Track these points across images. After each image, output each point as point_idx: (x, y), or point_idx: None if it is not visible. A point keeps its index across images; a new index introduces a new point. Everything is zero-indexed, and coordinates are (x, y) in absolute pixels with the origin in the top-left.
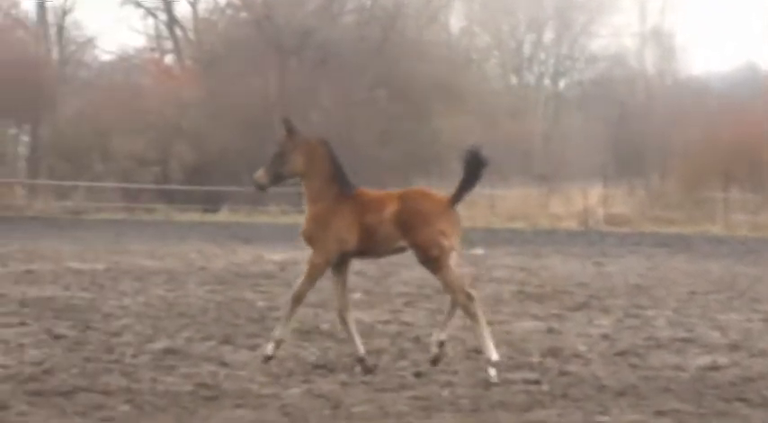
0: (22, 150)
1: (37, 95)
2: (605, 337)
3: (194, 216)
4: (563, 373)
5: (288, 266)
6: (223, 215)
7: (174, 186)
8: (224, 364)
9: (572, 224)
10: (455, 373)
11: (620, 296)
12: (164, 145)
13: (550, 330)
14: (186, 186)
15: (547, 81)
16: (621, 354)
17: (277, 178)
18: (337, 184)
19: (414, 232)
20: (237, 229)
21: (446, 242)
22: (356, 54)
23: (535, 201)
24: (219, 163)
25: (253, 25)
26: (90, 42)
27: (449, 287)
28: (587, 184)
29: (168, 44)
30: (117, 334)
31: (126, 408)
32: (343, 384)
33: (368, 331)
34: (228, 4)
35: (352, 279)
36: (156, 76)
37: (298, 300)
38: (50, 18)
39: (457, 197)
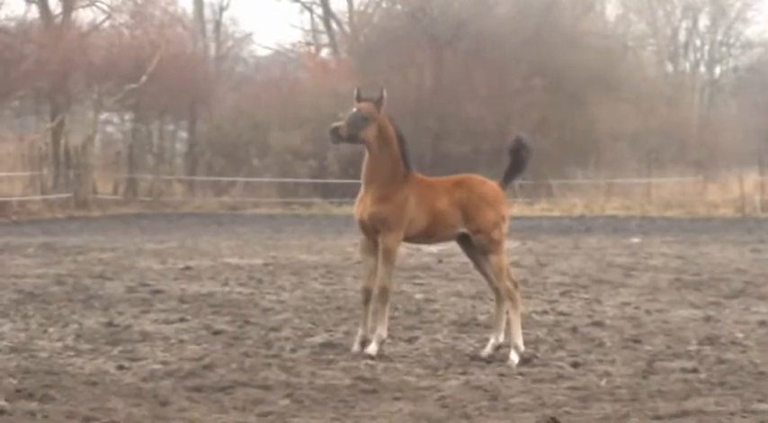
0: (180, 147)
1: (194, 92)
2: (763, 323)
3: (351, 210)
4: (721, 361)
5: (445, 258)
6: None
7: (330, 180)
8: (382, 357)
9: (728, 211)
10: (612, 362)
11: None
12: (320, 138)
13: (708, 318)
14: (343, 180)
15: (702, 68)
16: None
17: (353, 139)
18: (403, 165)
19: (478, 217)
20: None
21: (505, 227)
22: (511, 44)
23: (691, 188)
24: None
25: (407, 17)
26: (247, 38)
27: (501, 272)
28: (743, 171)
29: (324, 38)
30: (275, 329)
31: (285, 402)
32: (501, 376)
33: (524, 322)
34: None
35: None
36: (313, 69)
37: (386, 292)
38: (207, 14)
39: (506, 183)
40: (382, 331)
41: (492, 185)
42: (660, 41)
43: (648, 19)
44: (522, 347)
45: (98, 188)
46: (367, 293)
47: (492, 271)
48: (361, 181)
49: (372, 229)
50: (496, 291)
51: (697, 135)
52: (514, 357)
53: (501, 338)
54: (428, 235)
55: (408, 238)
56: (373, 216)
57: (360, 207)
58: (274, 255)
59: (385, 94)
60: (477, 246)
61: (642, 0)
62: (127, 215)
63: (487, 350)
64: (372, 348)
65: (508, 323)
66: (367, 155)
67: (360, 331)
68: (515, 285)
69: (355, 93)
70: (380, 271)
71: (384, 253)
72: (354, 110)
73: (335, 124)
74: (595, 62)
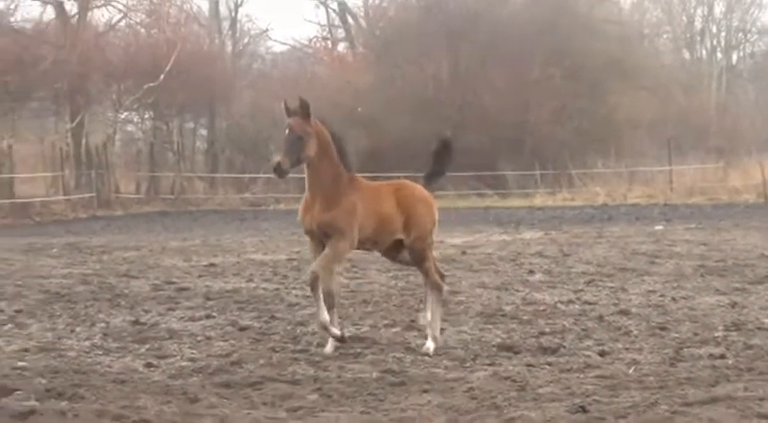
0: (200, 144)
1: (212, 89)
2: None
3: None
4: (748, 347)
5: (468, 250)
6: None
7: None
8: (409, 350)
9: (751, 197)
10: (640, 350)
11: None
12: (338, 133)
13: (733, 304)
14: (361, 173)
15: (719, 54)
16: None
17: (297, 163)
18: (345, 169)
19: (418, 224)
20: None
21: (435, 231)
22: (527, 34)
23: (712, 175)
24: (394, 149)
25: (423, 10)
26: (263, 34)
27: (430, 272)
28: (764, 157)
29: (340, 32)
30: (302, 323)
31: (314, 396)
32: (529, 366)
33: (550, 311)
34: None
35: (531, 260)
36: (329, 64)
37: (331, 295)
38: (223, 11)
39: (430, 185)
40: (335, 330)
41: (425, 191)
42: (676, 28)
43: (664, 6)
44: (438, 337)
45: (120, 187)
46: (313, 282)
47: (422, 272)
48: (306, 189)
49: (323, 236)
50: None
51: (716, 121)
52: (431, 344)
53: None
54: (374, 241)
55: (359, 245)
56: (324, 224)
57: (308, 215)
58: (298, 250)
59: (307, 101)
60: (411, 252)
61: None
62: (149, 213)
63: (429, 346)
64: (328, 349)
65: (431, 315)
66: (307, 167)
67: (322, 313)
68: (442, 277)
69: (283, 106)
70: (323, 274)
71: (330, 255)
72: (287, 131)
73: (275, 160)
74: (612, 50)
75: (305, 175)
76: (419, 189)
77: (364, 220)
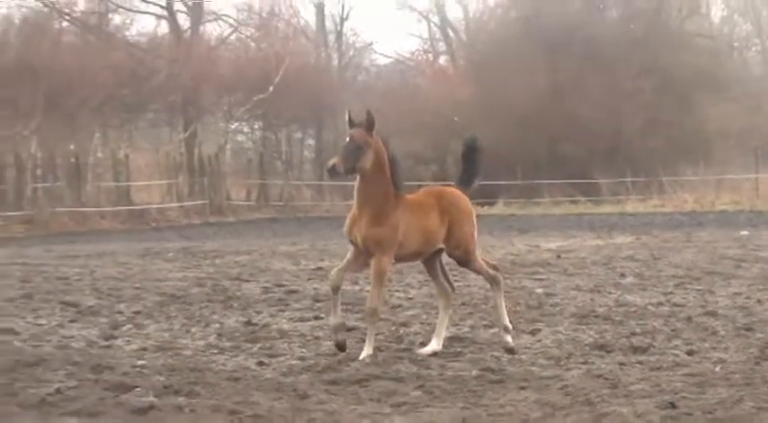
0: (308, 154)
1: (319, 101)
2: None
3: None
4: None
5: (563, 254)
6: (498, 208)
7: (451, 183)
8: (507, 349)
9: None
10: (726, 349)
11: None
12: (440, 143)
13: None
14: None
15: None
16: None
17: (352, 170)
18: (394, 186)
19: (458, 233)
20: (513, 220)
21: (476, 233)
22: (621, 46)
23: None
24: (493, 158)
25: (521, 23)
26: (367, 47)
27: (483, 270)
28: None
29: (441, 46)
30: (405, 324)
31: (417, 393)
32: (621, 364)
33: (641, 312)
34: (498, 4)
35: (623, 263)
36: (431, 77)
37: (376, 314)
38: (329, 25)
39: (467, 188)
40: (369, 349)
41: (464, 197)
42: (765, 41)
43: (753, 20)
44: (511, 328)
45: (231, 194)
46: (335, 286)
47: (475, 271)
48: (355, 201)
49: (365, 251)
50: (444, 294)
51: None
52: (509, 338)
53: (441, 341)
54: (418, 254)
55: (399, 259)
56: (368, 238)
57: (354, 228)
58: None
59: (373, 115)
60: (455, 258)
61: (747, 1)
62: (260, 220)
63: (428, 349)
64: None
65: (495, 307)
66: (359, 178)
67: (333, 316)
68: (496, 268)
69: (347, 116)
70: (372, 292)
71: (376, 275)
72: (347, 139)
73: (332, 161)
74: (702, 63)
75: (355, 188)
76: (458, 196)
77: (410, 237)
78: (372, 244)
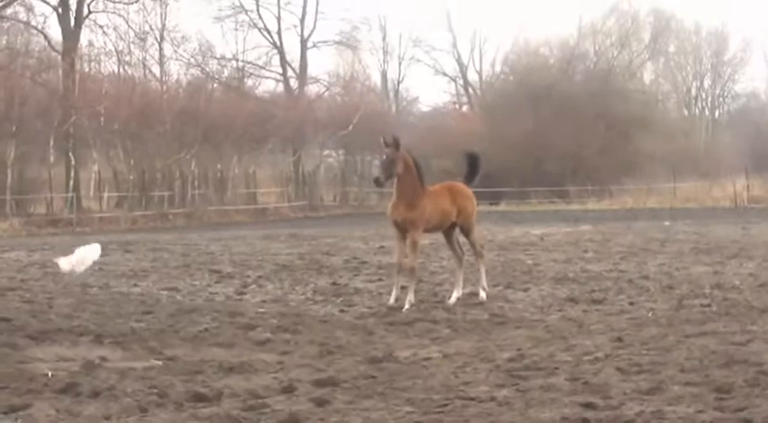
0: (374, 171)
1: (383, 135)
2: (751, 274)
3: (483, 207)
4: (725, 299)
5: (545, 237)
6: (502, 207)
7: (472, 189)
8: (507, 301)
9: (726, 203)
10: (655, 301)
11: (760, 248)
12: (461, 163)
13: (716, 272)
14: (479, 189)
15: (707, 112)
16: (762, 285)
17: (390, 177)
18: (420, 182)
19: (465, 211)
20: (511, 215)
21: (476, 213)
22: (583, 99)
23: (702, 189)
24: (499, 173)
25: (516, 83)
26: (415, 100)
27: (477, 241)
28: (735, 178)
29: (464, 99)
30: (439, 284)
31: (447, 331)
32: (584, 311)
33: (598, 276)
34: (501, 71)
35: (585, 244)
36: (457, 119)
37: (414, 271)
38: (390, 85)
39: (469, 184)
40: (411, 297)
41: (467, 188)
42: (679, 95)
43: (671, 81)
44: (487, 288)
45: (323, 198)
46: (399, 267)
47: (471, 242)
48: (394, 194)
49: (403, 228)
50: (458, 258)
51: (704, 155)
52: (483, 295)
53: (461, 291)
54: (438, 227)
55: (426, 231)
56: (406, 219)
57: (395, 212)
58: (436, 237)
59: (397, 138)
60: (462, 228)
61: (667, 68)
62: (342, 215)
63: (452, 299)
64: (407, 305)
65: (479, 274)
66: (396, 179)
67: (393, 291)
68: (483, 248)
69: (382, 140)
70: (410, 257)
71: (412, 244)
72: (384, 156)
73: (375, 175)
74: (638, 109)
75: (394, 185)
76: (464, 187)
77: (432, 216)
78: (408, 223)
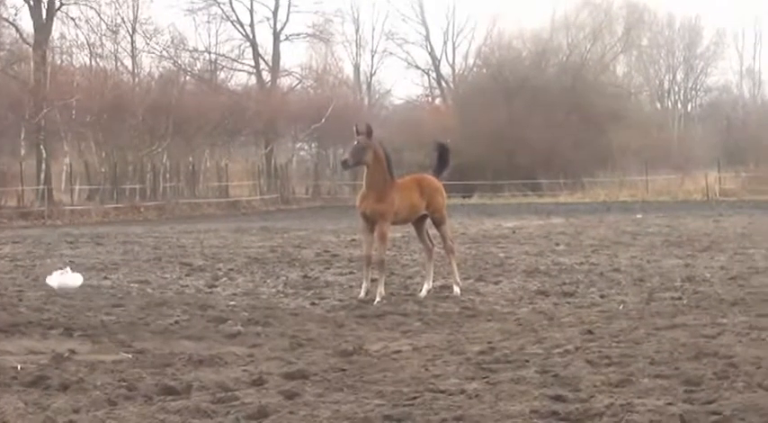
0: None
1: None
2: (722, 267)
3: (456, 200)
4: (696, 292)
5: (517, 230)
6: (474, 199)
7: (443, 182)
8: (478, 294)
9: (698, 196)
10: (626, 294)
11: (731, 241)
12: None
13: (687, 265)
14: (451, 182)
15: (679, 105)
16: (733, 278)
17: (358, 163)
18: (389, 174)
19: (434, 203)
20: (484, 208)
21: (445, 205)
22: (556, 92)
23: (674, 182)
24: (471, 166)
25: (490, 76)
26: (387, 93)
27: (447, 235)
28: (707, 171)
29: (437, 92)
30: (410, 277)
31: (418, 323)
32: (555, 304)
33: (569, 269)
34: (474, 64)
35: (557, 237)
36: (430, 112)
37: (383, 263)
38: (362, 78)
39: (439, 176)
40: (382, 290)
41: (437, 181)
42: (652, 88)
43: (644, 74)
44: (460, 283)
45: (295, 191)
46: (368, 260)
47: (442, 234)
48: (364, 186)
49: (372, 219)
50: (428, 250)
51: (677, 148)
52: (457, 290)
53: (431, 283)
54: (406, 219)
55: (395, 223)
56: (375, 211)
57: (363, 203)
58: (408, 229)
59: (370, 126)
60: (433, 220)
61: (640, 61)
62: (313, 208)
63: (423, 292)
64: (378, 298)
65: (451, 269)
66: (366, 170)
67: (364, 284)
68: (453, 242)
69: (354, 128)
70: (379, 249)
71: (380, 236)
72: (355, 142)
73: (343, 157)
74: (610, 103)
75: (364, 176)
76: (433, 180)
77: (401, 208)
78: (377, 215)
